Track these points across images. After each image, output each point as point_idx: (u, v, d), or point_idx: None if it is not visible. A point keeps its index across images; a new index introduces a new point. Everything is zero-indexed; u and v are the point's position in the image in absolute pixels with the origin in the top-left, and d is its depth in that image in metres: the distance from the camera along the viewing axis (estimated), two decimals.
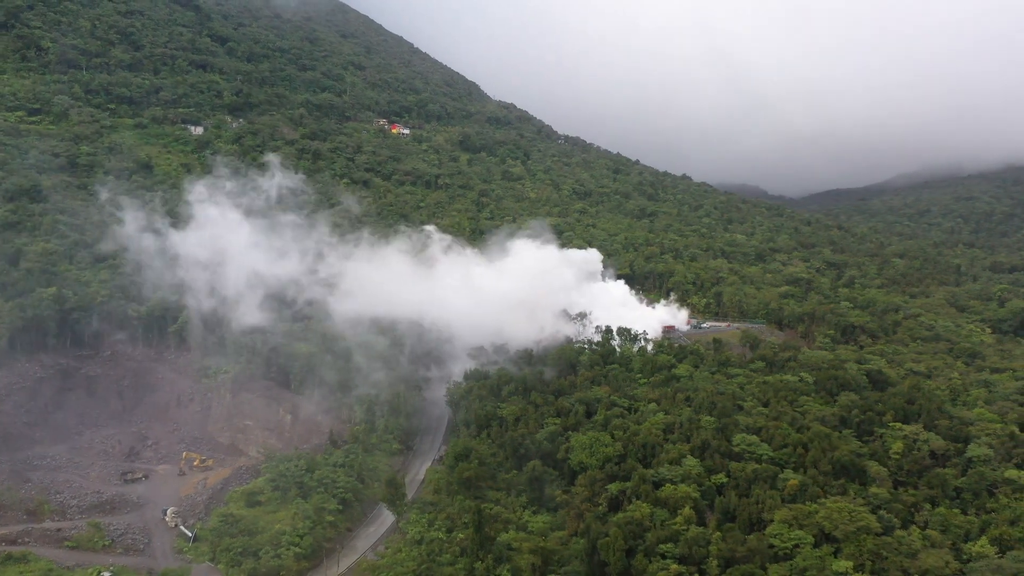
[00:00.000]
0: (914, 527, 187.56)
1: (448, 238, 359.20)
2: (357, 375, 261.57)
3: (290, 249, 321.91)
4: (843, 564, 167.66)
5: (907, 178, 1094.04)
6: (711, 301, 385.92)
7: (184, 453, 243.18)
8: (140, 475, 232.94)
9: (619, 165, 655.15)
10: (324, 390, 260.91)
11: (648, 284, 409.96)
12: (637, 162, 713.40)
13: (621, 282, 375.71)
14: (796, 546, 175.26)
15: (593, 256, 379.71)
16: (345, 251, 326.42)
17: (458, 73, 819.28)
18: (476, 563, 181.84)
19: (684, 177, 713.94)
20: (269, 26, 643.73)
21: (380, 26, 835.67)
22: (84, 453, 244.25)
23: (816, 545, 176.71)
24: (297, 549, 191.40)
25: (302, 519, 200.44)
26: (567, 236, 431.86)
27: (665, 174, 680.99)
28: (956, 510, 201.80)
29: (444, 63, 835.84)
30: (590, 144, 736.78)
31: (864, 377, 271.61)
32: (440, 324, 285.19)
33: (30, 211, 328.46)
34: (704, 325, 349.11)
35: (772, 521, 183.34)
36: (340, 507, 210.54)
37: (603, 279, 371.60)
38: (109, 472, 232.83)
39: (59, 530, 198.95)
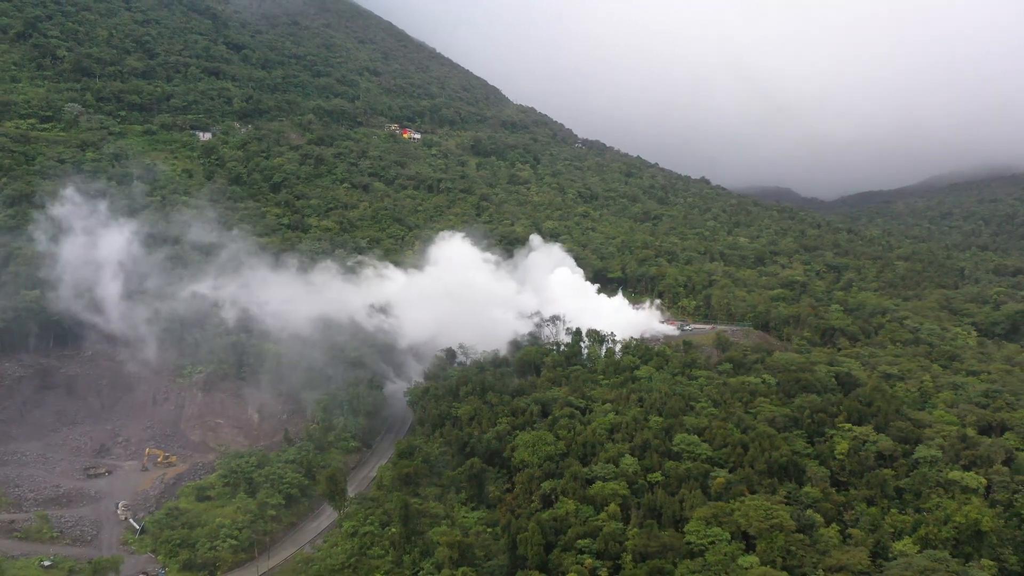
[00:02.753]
0: (835, 525, 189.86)
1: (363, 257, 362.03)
2: (321, 376, 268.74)
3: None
4: (749, 559, 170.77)
5: (942, 180, 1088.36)
6: (700, 304, 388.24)
7: (147, 449, 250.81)
8: (103, 470, 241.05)
9: (632, 168, 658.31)
10: (291, 390, 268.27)
11: (640, 287, 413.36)
12: (656, 165, 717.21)
13: (566, 270, 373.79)
14: (712, 543, 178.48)
15: (533, 242, 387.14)
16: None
17: (480, 78, 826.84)
18: (404, 556, 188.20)
19: (702, 180, 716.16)
20: (286, 33, 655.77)
21: (402, 32, 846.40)
22: (58, 450, 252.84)
23: (733, 542, 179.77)
24: (234, 541, 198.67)
25: (243, 513, 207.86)
26: (564, 239, 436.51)
27: (679, 177, 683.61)
28: (894, 509, 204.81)
29: (469, 69, 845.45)
30: (609, 147, 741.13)
31: (833, 379, 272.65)
32: (404, 327, 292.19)
33: (28, 216, 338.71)
34: (687, 327, 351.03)
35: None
36: (284, 502, 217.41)
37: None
38: (75, 467, 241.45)
39: (12, 522, 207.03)
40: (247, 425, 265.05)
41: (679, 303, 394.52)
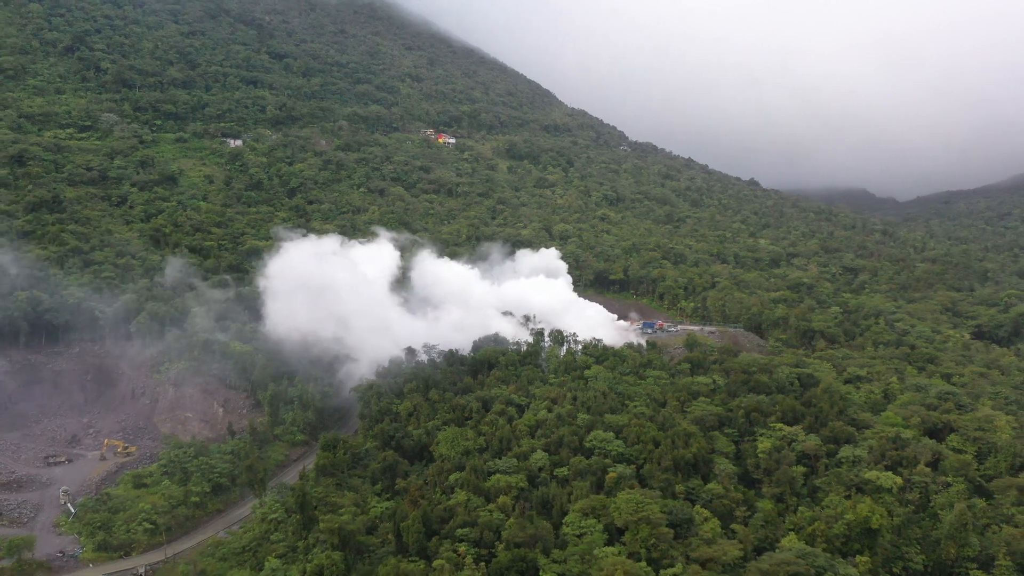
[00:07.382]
0: (714, 520, 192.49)
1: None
2: (279, 373, 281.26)
3: None
4: (608, 550, 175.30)
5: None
6: (699, 305, 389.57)
7: (106, 440, 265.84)
8: (63, 459, 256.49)
9: (671, 171, 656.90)
10: (252, 386, 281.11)
11: (642, 289, 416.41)
12: (705, 166, 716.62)
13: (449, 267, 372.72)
14: (583, 534, 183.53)
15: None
16: None
17: (533, 82, 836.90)
18: (298, 541, 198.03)
19: (750, 182, 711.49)
20: (331, 42, 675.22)
21: (454, 38, 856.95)
22: (35, 440, 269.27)
23: (607, 532, 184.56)
24: (149, 525, 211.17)
25: (166, 499, 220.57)
26: (572, 241, 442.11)
27: (720, 178, 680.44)
28: (802, 507, 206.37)
29: (524, 74, 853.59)
30: (659, 150, 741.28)
31: (796, 381, 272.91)
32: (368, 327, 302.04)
33: (44, 221, 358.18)
34: (672, 328, 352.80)
35: None
36: (209, 490, 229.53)
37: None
38: (39, 456, 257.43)
39: None
40: (213, 419, 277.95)
41: (678, 304, 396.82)
